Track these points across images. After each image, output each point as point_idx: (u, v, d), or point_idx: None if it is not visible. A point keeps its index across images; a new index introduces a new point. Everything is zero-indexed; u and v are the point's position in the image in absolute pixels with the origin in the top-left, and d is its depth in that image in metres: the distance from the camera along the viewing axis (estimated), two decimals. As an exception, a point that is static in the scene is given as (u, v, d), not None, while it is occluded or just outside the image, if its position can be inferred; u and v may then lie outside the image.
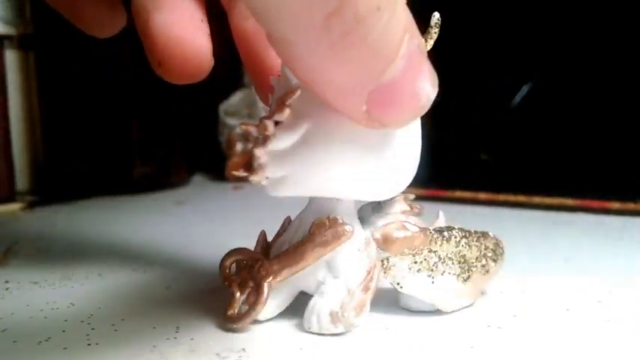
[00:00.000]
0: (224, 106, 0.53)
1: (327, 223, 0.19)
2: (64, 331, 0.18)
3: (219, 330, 0.18)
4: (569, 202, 0.39)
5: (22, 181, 0.46)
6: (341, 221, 0.18)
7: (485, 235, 0.21)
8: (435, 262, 0.19)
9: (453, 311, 0.20)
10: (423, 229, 0.19)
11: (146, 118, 0.49)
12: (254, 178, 0.17)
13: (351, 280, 0.18)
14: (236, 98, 0.53)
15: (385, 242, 0.19)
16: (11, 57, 0.45)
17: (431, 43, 0.19)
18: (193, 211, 0.42)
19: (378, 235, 0.19)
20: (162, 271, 0.25)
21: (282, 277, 0.19)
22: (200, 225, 0.37)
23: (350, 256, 0.19)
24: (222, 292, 0.22)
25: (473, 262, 0.20)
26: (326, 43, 0.14)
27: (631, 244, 0.31)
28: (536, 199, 0.40)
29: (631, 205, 0.38)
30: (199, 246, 0.31)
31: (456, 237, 0.20)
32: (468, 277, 0.20)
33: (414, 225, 0.19)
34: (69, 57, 0.46)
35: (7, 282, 0.24)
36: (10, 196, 0.43)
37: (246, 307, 0.18)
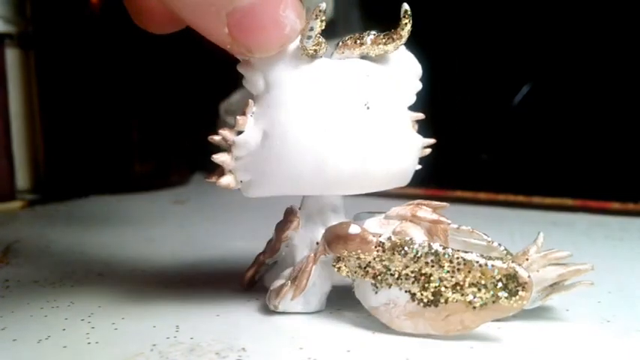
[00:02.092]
0: (224, 105, 0.53)
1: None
2: (64, 330, 0.18)
3: (220, 329, 0.18)
4: (569, 202, 0.39)
5: (22, 179, 0.46)
6: (294, 212, 0.20)
7: (494, 264, 0.17)
8: (382, 273, 0.18)
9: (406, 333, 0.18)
10: (372, 234, 0.18)
11: (146, 116, 0.49)
12: (221, 181, 0.19)
13: (289, 269, 0.20)
14: (236, 97, 0.53)
15: (324, 237, 0.19)
16: (12, 55, 0.45)
17: (404, 34, 0.19)
18: (193, 211, 0.42)
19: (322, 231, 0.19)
20: (163, 270, 0.25)
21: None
22: (200, 224, 0.37)
23: (297, 246, 0.20)
24: (222, 291, 0.22)
25: (445, 288, 0.17)
26: None
27: (631, 244, 0.31)
28: (536, 199, 0.40)
29: (631, 206, 0.38)
30: (199, 245, 0.31)
31: (416, 252, 0.17)
32: (433, 301, 0.17)
33: (359, 226, 0.18)
34: (69, 55, 0.46)
35: (7, 280, 0.24)
36: (10, 195, 0.43)
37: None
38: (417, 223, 0.19)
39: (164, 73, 0.49)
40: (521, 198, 0.41)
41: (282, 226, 0.21)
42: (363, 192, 0.19)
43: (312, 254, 0.19)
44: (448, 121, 0.45)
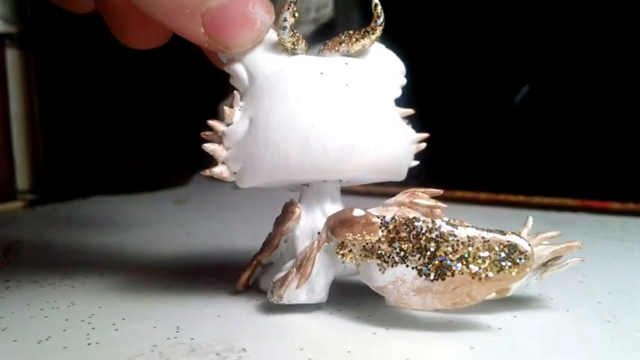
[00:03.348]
0: (224, 106, 0.53)
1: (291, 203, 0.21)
2: (64, 331, 0.18)
3: (220, 329, 0.18)
4: (569, 202, 0.39)
5: (22, 179, 0.46)
6: (295, 203, 0.20)
7: (495, 236, 0.18)
8: (389, 252, 0.18)
9: (414, 309, 0.19)
10: (376, 216, 0.18)
11: (146, 117, 0.49)
12: (214, 170, 0.20)
13: (291, 262, 0.20)
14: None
15: (327, 224, 0.19)
16: (12, 56, 0.45)
17: (377, 27, 0.20)
18: (193, 211, 0.42)
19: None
20: (162, 270, 0.25)
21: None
22: (200, 224, 0.37)
23: (298, 237, 0.20)
24: (223, 291, 0.22)
25: (450, 262, 0.18)
26: None
27: (631, 244, 0.31)
28: (536, 199, 0.40)
29: (631, 205, 0.38)
30: (199, 245, 0.31)
31: (420, 229, 0.18)
32: (440, 275, 0.18)
33: (362, 210, 0.18)
34: (69, 56, 0.46)
35: (7, 281, 0.24)
36: (10, 195, 0.43)
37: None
38: (414, 209, 0.19)
39: (164, 74, 0.49)
40: (521, 198, 0.41)
41: (282, 219, 0.21)
42: (356, 177, 0.20)
43: (316, 242, 0.19)
44: (448, 121, 0.45)
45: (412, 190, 0.20)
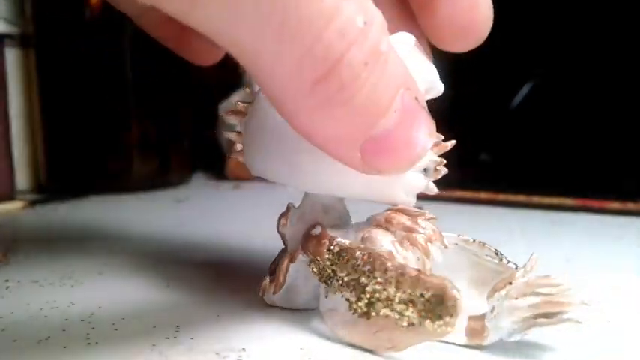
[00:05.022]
0: (224, 105, 0.53)
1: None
2: (64, 330, 0.18)
3: (219, 329, 0.18)
4: (569, 201, 0.39)
5: (22, 179, 0.46)
6: (288, 209, 0.20)
7: (427, 281, 0.16)
8: (331, 277, 0.18)
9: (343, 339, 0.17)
10: (329, 237, 0.18)
11: (146, 116, 0.49)
12: (232, 155, 0.21)
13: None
14: (236, 97, 0.53)
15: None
16: (12, 56, 0.45)
17: None
18: (194, 210, 0.42)
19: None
20: (162, 270, 0.25)
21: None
22: (200, 224, 0.37)
23: (288, 243, 0.21)
24: (222, 291, 0.22)
25: (376, 301, 0.16)
26: (312, 105, 0.14)
27: (631, 244, 0.31)
28: (536, 199, 0.40)
29: (631, 205, 0.38)
30: (199, 245, 0.31)
31: (355, 260, 0.17)
32: (365, 313, 0.16)
33: (321, 228, 0.18)
34: (69, 56, 0.46)
35: (7, 281, 0.24)
36: (10, 195, 0.43)
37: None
38: (392, 231, 0.18)
39: (164, 73, 0.49)
40: (521, 198, 0.41)
41: (277, 225, 0.21)
42: (324, 191, 0.19)
43: (290, 252, 0.19)
44: (447, 121, 0.45)
45: (396, 208, 0.18)
